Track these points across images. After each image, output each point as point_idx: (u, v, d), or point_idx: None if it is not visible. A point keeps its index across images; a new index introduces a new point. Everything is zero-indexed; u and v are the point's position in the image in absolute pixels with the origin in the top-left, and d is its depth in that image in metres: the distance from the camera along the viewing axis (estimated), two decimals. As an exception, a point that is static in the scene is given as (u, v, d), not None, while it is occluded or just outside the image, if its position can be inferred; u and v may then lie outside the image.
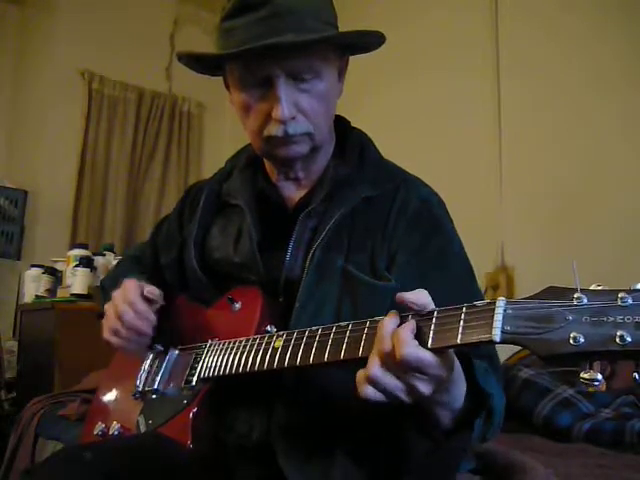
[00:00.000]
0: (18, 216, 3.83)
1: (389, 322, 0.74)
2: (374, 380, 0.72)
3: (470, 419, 0.81)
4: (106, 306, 1.06)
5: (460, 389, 0.78)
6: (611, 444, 1.57)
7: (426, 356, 0.70)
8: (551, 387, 1.81)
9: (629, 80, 2.46)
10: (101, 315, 1.17)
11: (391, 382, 0.72)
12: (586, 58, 2.61)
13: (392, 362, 0.71)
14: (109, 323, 1.04)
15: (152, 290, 1.03)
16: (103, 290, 1.23)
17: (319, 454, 0.88)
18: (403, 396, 0.73)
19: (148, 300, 1.03)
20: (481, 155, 2.97)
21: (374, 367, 0.72)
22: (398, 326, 0.73)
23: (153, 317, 1.03)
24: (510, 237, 2.81)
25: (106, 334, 1.05)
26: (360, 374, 0.73)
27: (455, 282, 0.97)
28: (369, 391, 0.72)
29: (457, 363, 0.76)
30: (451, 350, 0.73)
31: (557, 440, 1.66)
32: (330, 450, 0.88)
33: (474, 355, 0.91)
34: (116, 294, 1.05)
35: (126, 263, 1.30)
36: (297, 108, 0.96)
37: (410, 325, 0.72)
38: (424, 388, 0.72)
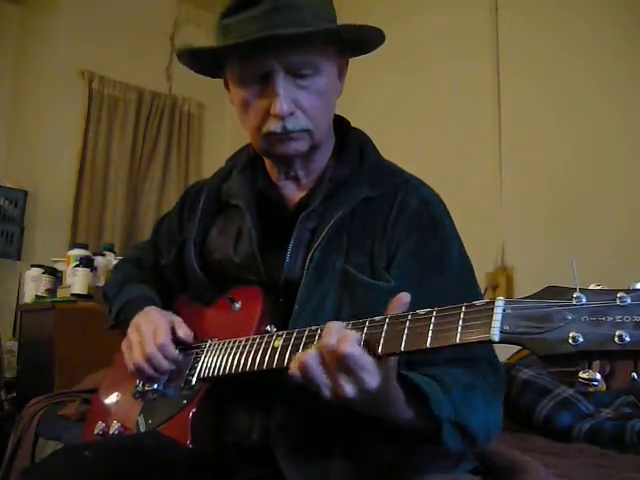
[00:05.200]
0: (18, 216, 3.83)
1: (342, 323, 0.78)
2: (305, 366, 0.75)
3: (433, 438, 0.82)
4: (130, 333, 1.05)
5: (394, 412, 0.81)
6: (611, 444, 1.57)
7: (365, 357, 0.74)
8: (551, 387, 1.81)
9: (630, 79, 2.46)
10: (110, 327, 1.17)
11: (319, 374, 0.75)
12: (587, 56, 2.61)
13: (330, 356, 0.74)
14: (135, 359, 1.02)
15: (187, 332, 1.03)
16: (106, 298, 1.21)
17: (318, 454, 0.88)
18: (326, 391, 0.75)
19: (174, 334, 1.03)
20: (481, 155, 2.97)
21: (310, 355, 0.76)
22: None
23: (180, 359, 1.03)
24: (510, 237, 2.82)
25: (130, 367, 1.03)
26: (297, 355, 0.78)
27: (453, 282, 0.96)
28: (297, 374, 0.77)
29: (397, 390, 0.79)
30: (392, 374, 0.77)
31: (557, 440, 1.66)
32: (329, 450, 0.88)
33: (472, 361, 0.91)
34: (143, 327, 1.03)
35: (126, 267, 1.28)
36: (296, 104, 0.96)
37: (358, 333, 0.76)
38: (349, 390, 0.74)
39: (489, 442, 0.93)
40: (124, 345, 1.06)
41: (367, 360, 0.74)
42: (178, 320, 1.05)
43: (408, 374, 0.83)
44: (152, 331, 1.02)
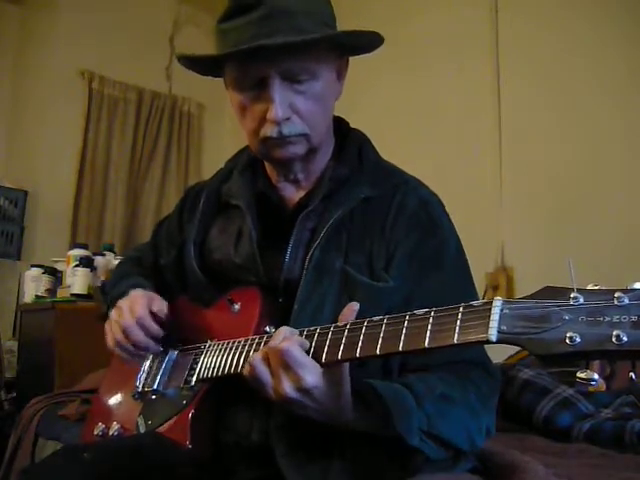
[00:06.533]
0: (18, 216, 3.83)
1: (292, 329, 0.84)
2: (251, 366, 0.82)
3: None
4: (111, 313, 1.06)
5: (346, 419, 0.83)
6: (611, 444, 1.57)
7: (303, 354, 0.79)
8: (551, 387, 1.81)
9: (630, 79, 2.46)
10: (102, 317, 1.17)
11: (263, 373, 0.81)
12: (587, 56, 2.61)
13: (272, 355, 0.80)
14: (114, 334, 1.04)
15: (160, 306, 1.04)
16: (103, 292, 1.23)
17: (318, 454, 0.88)
18: (269, 391, 0.81)
19: (154, 314, 1.04)
20: (481, 155, 2.97)
21: (255, 356, 0.82)
22: None
23: (160, 333, 1.04)
24: (510, 237, 2.81)
25: (110, 344, 1.05)
26: (250, 356, 0.84)
27: (450, 283, 0.97)
28: (247, 374, 0.83)
29: (348, 398, 0.82)
30: (345, 380, 0.80)
31: (557, 440, 1.66)
32: (329, 450, 0.88)
33: (465, 363, 0.92)
34: (123, 304, 1.05)
35: (127, 264, 1.30)
36: (292, 109, 0.96)
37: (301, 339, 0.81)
38: (287, 387, 0.78)
39: (477, 448, 0.94)
40: (106, 326, 1.07)
41: (306, 358, 0.78)
42: (156, 296, 1.07)
43: (376, 384, 0.84)
44: (129, 307, 1.03)
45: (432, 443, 0.84)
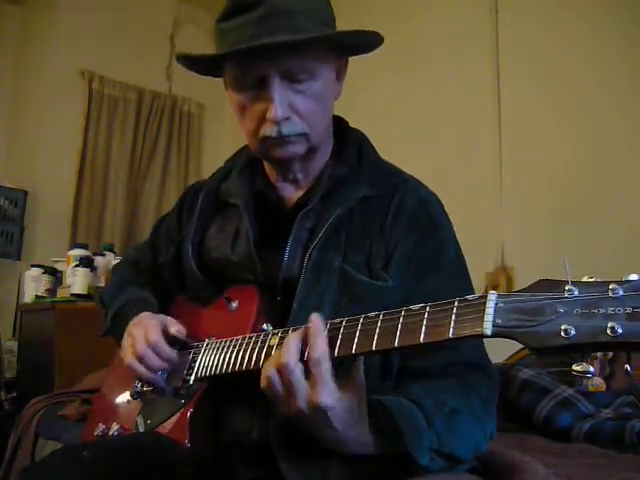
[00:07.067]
0: (18, 216, 3.83)
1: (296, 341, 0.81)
2: (267, 377, 0.80)
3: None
4: (124, 342, 1.05)
5: (357, 434, 0.82)
6: (611, 444, 1.57)
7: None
8: (551, 387, 1.81)
9: (630, 79, 2.46)
10: (105, 332, 1.17)
11: (278, 385, 0.79)
12: (587, 56, 2.61)
13: (284, 371, 0.78)
14: (128, 361, 1.02)
15: (179, 329, 1.03)
16: (102, 303, 1.21)
17: (318, 454, 0.88)
18: (284, 404, 0.80)
19: (166, 334, 1.03)
20: (481, 155, 2.97)
21: (269, 367, 0.81)
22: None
23: (176, 358, 1.02)
24: (510, 237, 2.82)
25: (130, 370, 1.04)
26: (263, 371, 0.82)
27: (448, 286, 0.96)
28: (264, 386, 0.81)
29: (361, 413, 0.81)
30: (359, 391, 0.79)
31: (557, 440, 1.66)
32: (328, 451, 0.88)
33: (465, 366, 0.92)
34: (135, 332, 1.03)
35: (123, 271, 1.28)
36: (292, 109, 0.96)
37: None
38: (299, 402, 0.78)
39: (481, 453, 0.94)
40: (121, 353, 1.07)
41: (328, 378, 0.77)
42: (170, 319, 1.05)
43: (390, 405, 0.83)
44: (143, 332, 1.02)
45: (440, 460, 0.85)
